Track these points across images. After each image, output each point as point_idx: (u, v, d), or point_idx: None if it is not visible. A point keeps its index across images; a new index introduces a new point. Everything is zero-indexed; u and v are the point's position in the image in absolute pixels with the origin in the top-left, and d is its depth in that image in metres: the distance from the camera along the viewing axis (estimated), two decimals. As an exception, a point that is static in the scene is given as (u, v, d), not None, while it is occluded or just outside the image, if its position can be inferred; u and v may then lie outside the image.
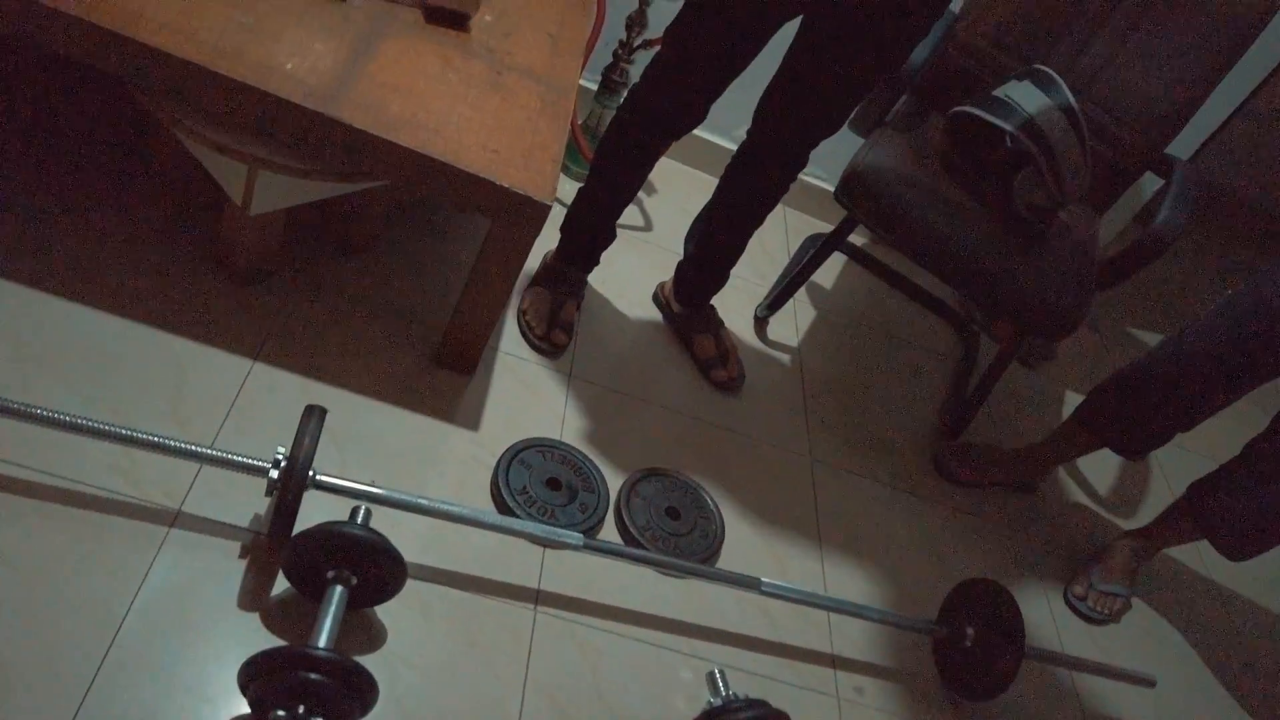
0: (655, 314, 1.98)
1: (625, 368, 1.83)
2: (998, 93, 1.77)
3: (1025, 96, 1.74)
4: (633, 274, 2.02)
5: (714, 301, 1.95)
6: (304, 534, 1.16)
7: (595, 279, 1.90)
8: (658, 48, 1.62)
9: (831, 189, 1.93)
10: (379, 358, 1.58)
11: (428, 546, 1.37)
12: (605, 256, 1.87)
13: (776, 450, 1.84)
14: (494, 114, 1.47)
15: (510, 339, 1.75)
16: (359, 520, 1.22)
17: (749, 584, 1.45)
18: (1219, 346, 1.67)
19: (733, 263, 1.90)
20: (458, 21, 1.60)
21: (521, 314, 1.80)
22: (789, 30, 1.56)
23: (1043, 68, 1.79)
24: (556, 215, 1.71)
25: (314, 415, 1.22)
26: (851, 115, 1.70)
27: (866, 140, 1.88)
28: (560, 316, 1.79)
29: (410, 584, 1.28)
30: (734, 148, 1.78)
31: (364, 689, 1.10)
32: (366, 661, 1.22)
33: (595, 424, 1.69)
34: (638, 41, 2.06)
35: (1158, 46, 1.89)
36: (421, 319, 1.68)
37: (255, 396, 1.43)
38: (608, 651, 1.39)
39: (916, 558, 1.79)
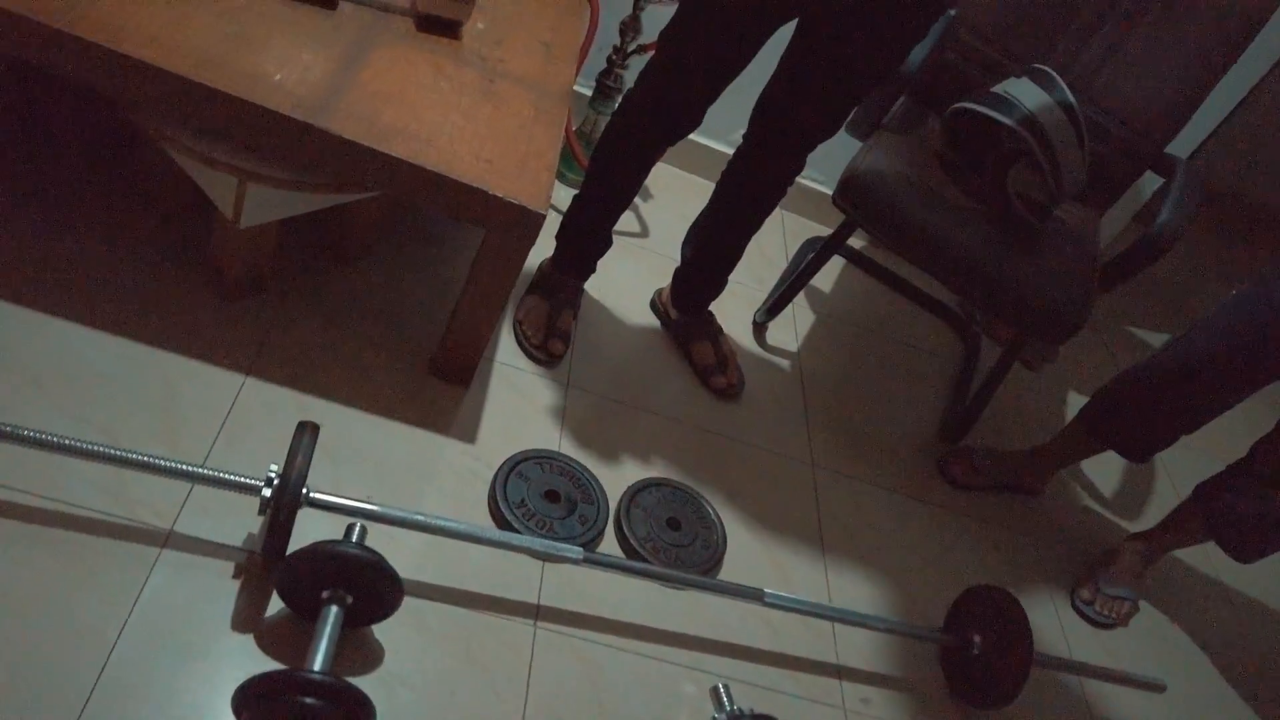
0: (653, 321, 1.96)
1: (623, 376, 1.81)
2: (997, 89, 1.76)
3: (1025, 93, 1.73)
4: (630, 281, 2.00)
5: (712, 307, 1.93)
6: (298, 554, 1.14)
7: (592, 286, 1.88)
8: (652, 52, 1.60)
9: (829, 192, 1.91)
10: (373, 370, 1.56)
11: (425, 562, 1.35)
12: (602, 264, 1.85)
13: (778, 457, 1.82)
14: (487, 122, 1.45)
15: (506, 349, 1.73)
16: (354, 538, 1.20)
17: (752, 595, 1.43)
18: (1225, 348, 1.65)
19: (731, 268, 1.88)
20: (450, 29, 1.58)
21: (518, 323, 1.78)
22: (785, 33, 1.54)
23: (1042, 66, 1.77)
24: (552, 222, 1.68)
25: (306, 432, 1.20)
26: (849, 118, 1.68)
27: (864, 143, 1.86)
28: (557, 325, 1.76)
29: (407, 601, 1.26)
30: (731, 152, 1.77)
31: (361, 713, 1.08)
32: (364, 682, 1.20)
33: (594, 434, 1.67)
34: (632, 46, 2.05)
35: (1156, 45, 1.88)
36: (416, 330, 1.66)
37: (247, 412, 1.40)
38: (609, 666, 1.37)
39: (921, 564, 1.76)
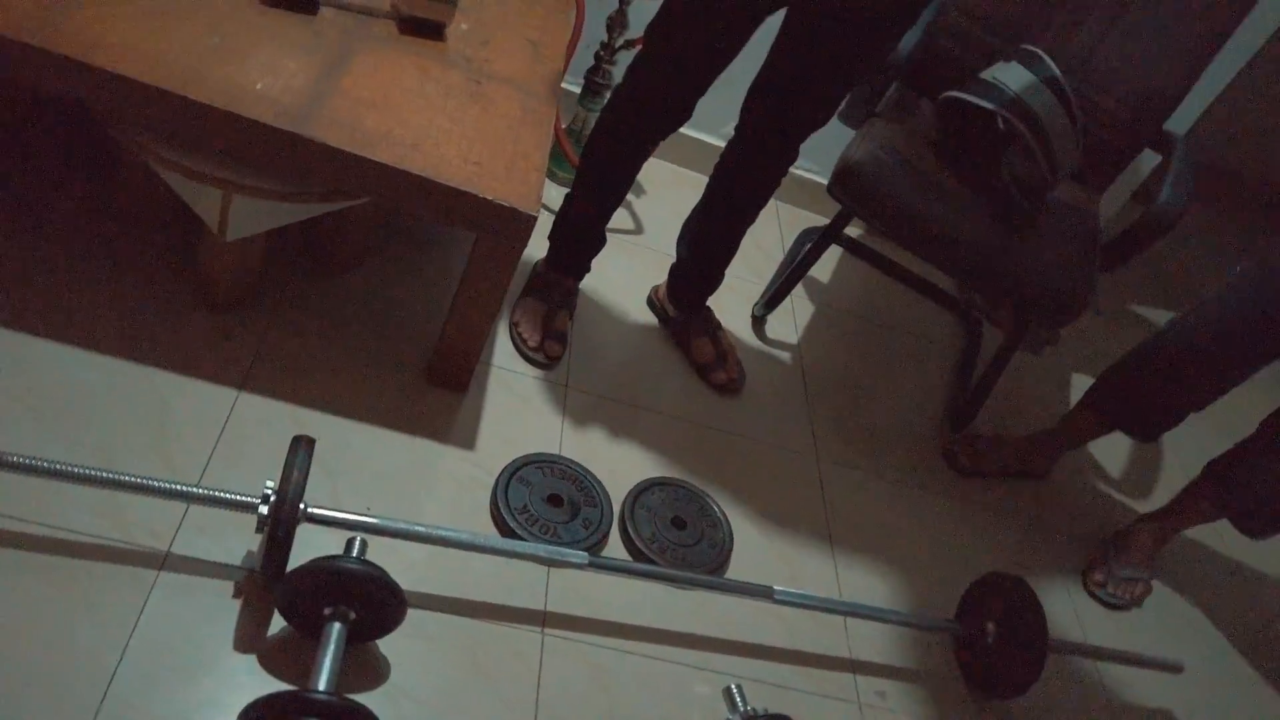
0: (650, 319, 1.94)
1: (622, 375, 1.79)
2: (985, 75, 1.74)
3: (1011, 76, 1.71)
4: (625, 279, 1.98)
5: (710, 302, 1.91)
6: (298, 571, 1.12)
7: (587, 286, 1.86)
8: (640, 47, 1.58)
9: (823, 181, 1.89)
10: (368, 380, 1.54)
11: (427, 573, 1.33)
12: (596, 262, 1.82)
13: (781, 451, 1.80)
14: (474, 124, 1.43)
15: (503, 352, 1.71)
16: (354, 553, 1.18)
17: (761, 593, 1.41)
18: (1230, 324, 1.63)
19: (727, 262, 1.86)
20: (433, 31, 1.56)
21: (513, 326, 1.75)
22: (774, 22, 1.51)
23: (1030, 47, 1.75)
24: (544, 223, 1.66)
25: (301, 446, 1.18)
26: (841, 106, 1.66)
27: (857, 131, 1.84)
28: (553, 327, 1.74)
29: (411, 614, 1.24)
30: (722, 145, 1.74)
31: (368, 729, 1.06)
32: (370, 698, 1.18)
33: (594, 435, 1.65)
34: (619, 42, 2.02)
35: (1151, 21, 1.85)
36: (410, 337, 1.64)
37: (242, 428, 1.38)
38: (620, 671, 1.35)
39: (931, 554, 1.74)
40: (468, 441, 1.53)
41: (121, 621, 1.14)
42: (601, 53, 2.05)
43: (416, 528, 1.26)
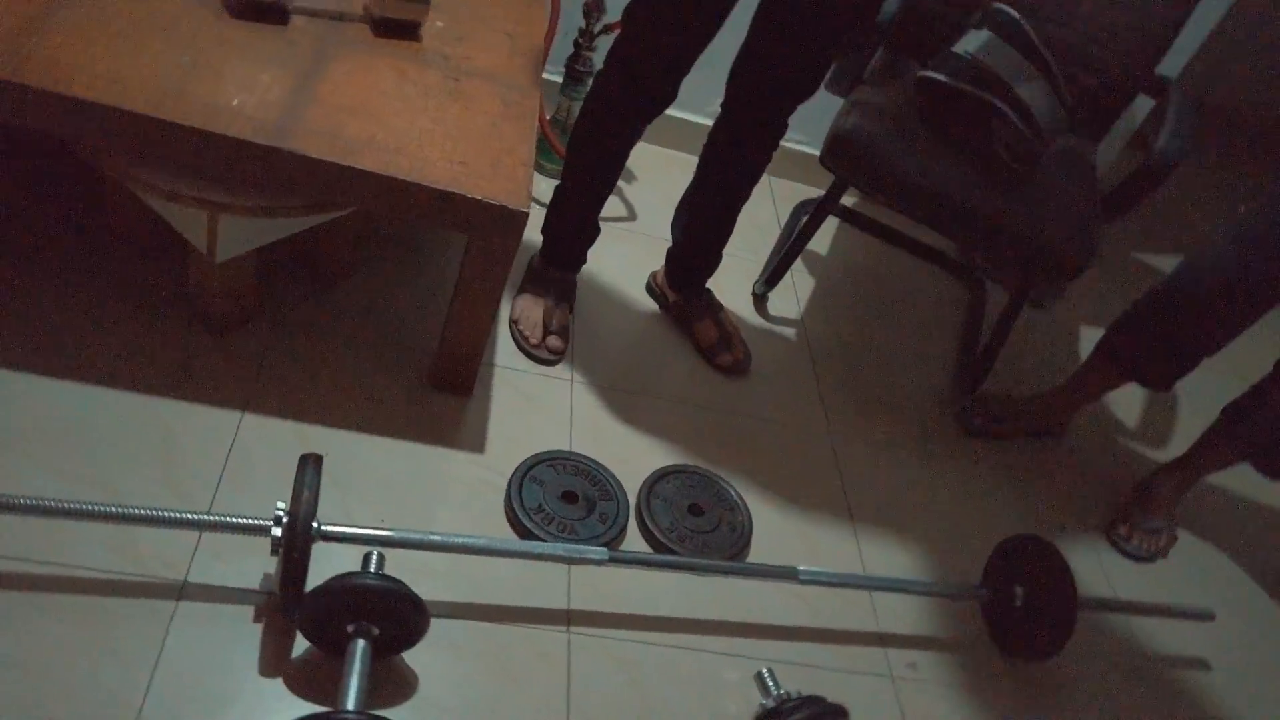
0: (651, 305, 1.92)
1: (627, 365, 1.77)
2: (956, 48, 1.71)
3: (981, 46, 1.68)
4: (623, 267, 1.96)
5: (710, 283, 1.89)
6: (316, 591, 1.11)
7: (585, 277, 1.84)
8: (619, 31, 1.55)
9: (814, 153, 1.86)
10: (372, 390, 1.52)
11: (447, 582, 1.32)
12: (592, 253, 1.80)
13: (793, 429, 1.78)
14: (456, 123, 1.41)
15: (505, 351, 1.69)
16: (372, 568, 1.16)
17: (785, 575, 1.40)
18: (1240, 265, 1.60)
19: (724, 242, 1.84)
20: (408, 31, 1.53)
21: (513, 324, 1.73)
22: (752, -6, 1.49)
23: (999, 6, 1.71)
24: (536, 217, 1.64)
25: (309, 465, 1.16)
26: (827, 75, 1.63)
27: (846, 99, 1.81)
28: (553, 321, 1.72)
29: (435, 624, 1.22)
30: (709, 123, 1.72)
31: (400, 745, 1.05)
32: (400, 712, 1.17)
33: (604, 428, 1.63)
34: (598, 27, 1.99)
35: (1136, -39, 1.82)
36: (410, 344, 1.62)
37: (248, 450, 1.37)
38: (649, 664, 1.33)
39: (952, 520, 1.73)
40: (477, 445, 1.51)
41: (144, 657, 1.12)
42: (580, 40, 2.02)
43: (433, 537, 1.25)
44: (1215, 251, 1.66)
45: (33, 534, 1.18)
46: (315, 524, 1.14)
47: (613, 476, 1.53)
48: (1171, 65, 2.13)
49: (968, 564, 1.63)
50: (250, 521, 1.15)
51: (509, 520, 1.43)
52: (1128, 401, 2.17)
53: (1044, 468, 1.92)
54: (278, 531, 1.13)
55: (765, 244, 2.18)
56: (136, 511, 1.12)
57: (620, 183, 2.14)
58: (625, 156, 1.69)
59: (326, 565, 1.19)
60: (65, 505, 1.10)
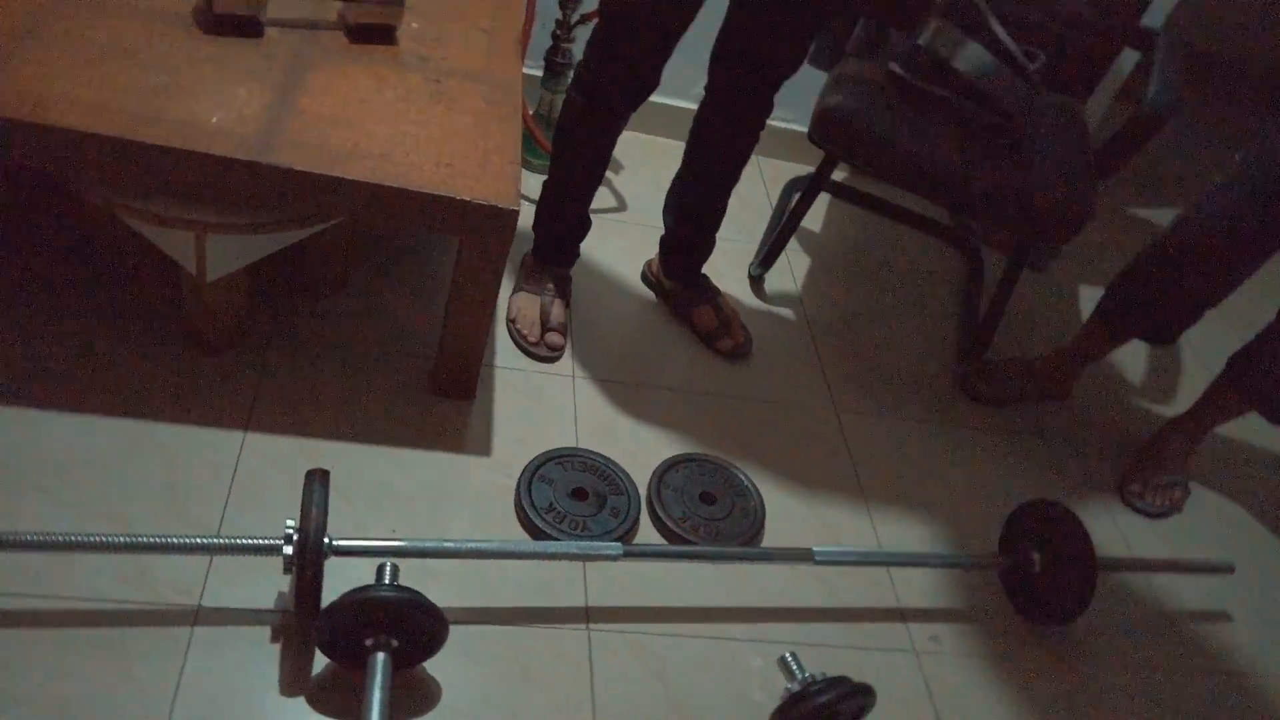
0: (648, 295, 1.91)
1: (628, 357, 1.76)
2: (920, 41, 1.70)
3: (944, 41, 1.67)
4: (616, 258, 1.95)
5: (705, 269, 1.88)
6: (333, 607, 1.10)
7: (579, 271, 1.82)
8: (597, 20, 1.53)
9: (801, 130, 1.85)
10: (373, 400, 1.51)
11: (463, 588, 1.31)
12: (584, 246, 1.79)
13: (799, 409, 1.77)
14: (440, 125, 1.39)
15: (505, 352, 1.68)
16: (386, 579, 1.15)
17: (801, 557, 1.39)
18: (1239, 212, 1.59)
19: (716, 226, 1.82)
20: (384, 36, 1.51)
21: (511, 323, 1.72)
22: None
23: None
24: (526, 214, 1.62)
25: (316, 480, 1.15)
26: (810, 50, 1.61)
27: (830, 74, 1.79)
28: (551, 318, 1.71)
29: (454, 631, 1.21)
30: (694, 107, 1.70)
31: (428, 756, 1.04)
32: (425, 722, 1.17)
33: (609, 422, 1.62)
34: (575, 18, 1.97)
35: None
36: (409, 350, 1.61)
37: (253, 469, 1.36)
38: (671, 656, 1.33)
39: (964, 490, 1.72)
40: (483, 448, 1.50)
41: (163, 685, 1.12)
42: (558, 31, 2.00)
43: (445, 544, 1.24)
44: (1212, 201, 1.65)
45: (41, 569, 1.17)
46: (326, 539, 1.13)
47: (621, 470, 1.52)
48: (1155, 17, 2.12)
49: (983, 532, 1.63)
50: (261, 542, 1.14)
51: (520, 521, 1.42)
52: (1131, 358, 2.16)
53: (1051, 431, 1.92)
54: (289, 550, 1.12)
55: (757, 225, 2.16)
56: (146, 540, 1.11)
57: (608, 173, 2.13)
58: (612, 146, 1.67)
59: (340, 580, 1.18)
60: (73, 539, 1.09)
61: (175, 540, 1.12)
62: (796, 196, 1.98)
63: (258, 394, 1.45)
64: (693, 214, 1.80)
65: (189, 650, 1.15)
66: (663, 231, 1.85)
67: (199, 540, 1.13)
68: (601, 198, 2.07)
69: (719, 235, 1.83)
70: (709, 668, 1.33)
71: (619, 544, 1.31)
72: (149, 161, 1.21)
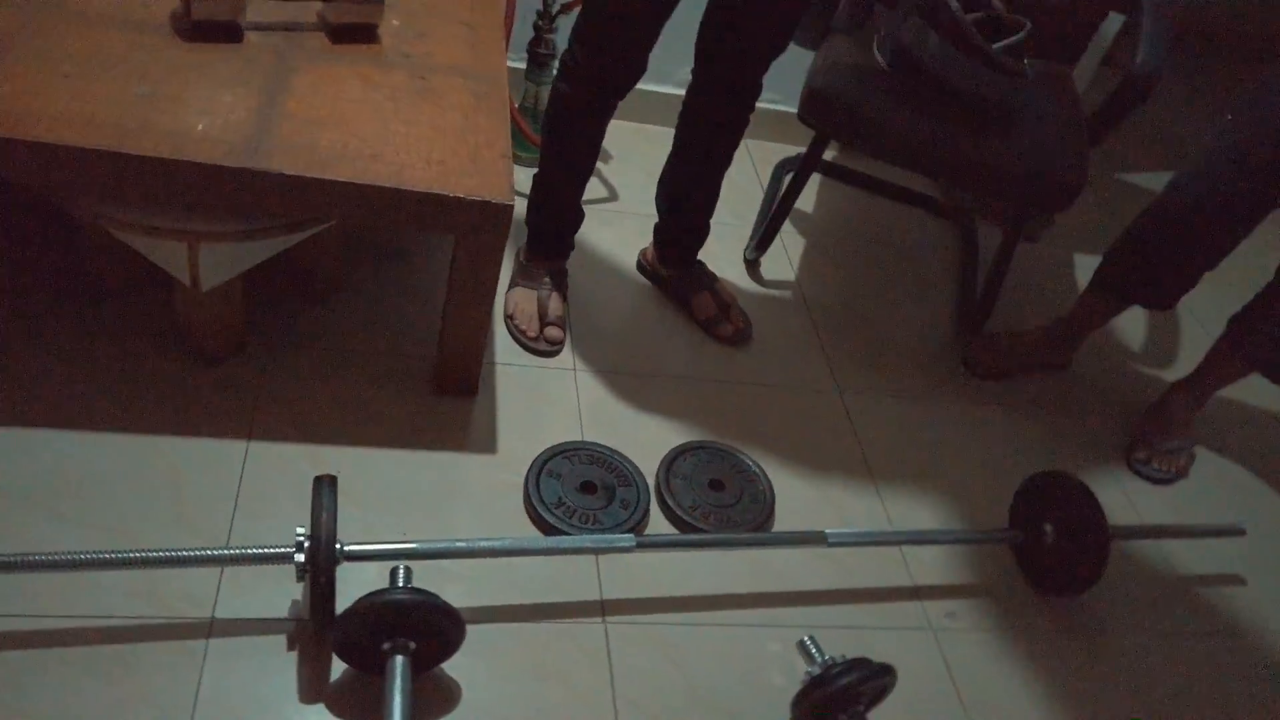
0: (645, 285, 1.90)
1: (628, 347, 1.75)
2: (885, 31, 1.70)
3: (915, 41, 1.67)
4: (611, 249, 1.93)
5: (701, 255, 1.86)
6: (348, 613, 1.09)
7: (574, 263, 1.81)
8: (579, 8, 1.52)
9: (787, 110, 1.84)
10: (375, 403, 1.50)
11: (477, 587, 1.30)
12: (578, 239, 1.78)
13: (802, 392, 1.76)
14: (428, 123, 1.37)
15: (505, 348, 1.67)
16: (400, 582, 1.14)
17: (814, 540, 1.39)
18: (1229, 178, 1.59)
19: (710, 211, 1.81)
20: (366, 35, 1.50)
21: (509, 319, 1.71)
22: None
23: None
24: (518, 209, 1.61)
25: (325, 486, 1.14)
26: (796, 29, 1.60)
27: (818, 52, 1.78)
28: (549, 312, 1.70)
29: (471, 631, 1.20)
30: (681, 93, 1.69)
31: (452, 758, 1.04)
32: (447, 724, 1.16)
33: (613, 413, 1.61)
34: (556, 7, 1.95)
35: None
36: (408, 351, 1.59)
37: (259, 478, 1.34)
38: (689, 644, 1.32)
39: (971, 464, 1.72)
40: (488, 445, 1.49)
41: (181, 700, 1.11)
42: (540, 22, 1.98)
43: (457, 544, 1.23)
44: (1205, 163, 1.64)
45: (52, 588, 1.16)
46: (338, 545, 1.12)
47: (629, 461, 1.51)
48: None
49: (992, 505, 1.63)
50: (272, 551, 1.13)
51: (530, 518, 1.42)
52: (1130, 325, 2.16)
53: (1055, 401, 1.91)
54: (300, 557, 1.11)
55: (750, 208, 2.15)
56: (156, 554, 1.10)
57: (598, 163, 2.11)
58: (602, 135, 1.66)
59: (354, 585, 1.17)
60: (82, 557, 1.08)
61: (187, 553, 1.11)
62: (788, 178, 1.97)
63: (259, 402, 1.44)
64: (686, 200, 1.79)
65: (205, 663, 1.14)
66: (656, 219, 1.84)
67: (210, 552, 1.12)
68: (592, 188, 2.06)
69: (712, 220, 1.82)
70: (727, 655, 1.32)
71: (631, 536, 1.30)
72: (137, 173, 1.19)
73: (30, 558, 1.07)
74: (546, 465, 1.47)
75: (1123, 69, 1.70)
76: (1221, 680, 1.48)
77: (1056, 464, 1.72)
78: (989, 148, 1.68)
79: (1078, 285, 2.24)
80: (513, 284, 1.75)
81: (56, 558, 1.07)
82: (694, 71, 1.63)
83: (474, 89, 1.47)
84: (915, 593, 1.48)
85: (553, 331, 1.69)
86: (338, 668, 1.18)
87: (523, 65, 2.07)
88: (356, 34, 1.48)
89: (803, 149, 1.95)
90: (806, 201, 2.26)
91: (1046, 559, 1.50)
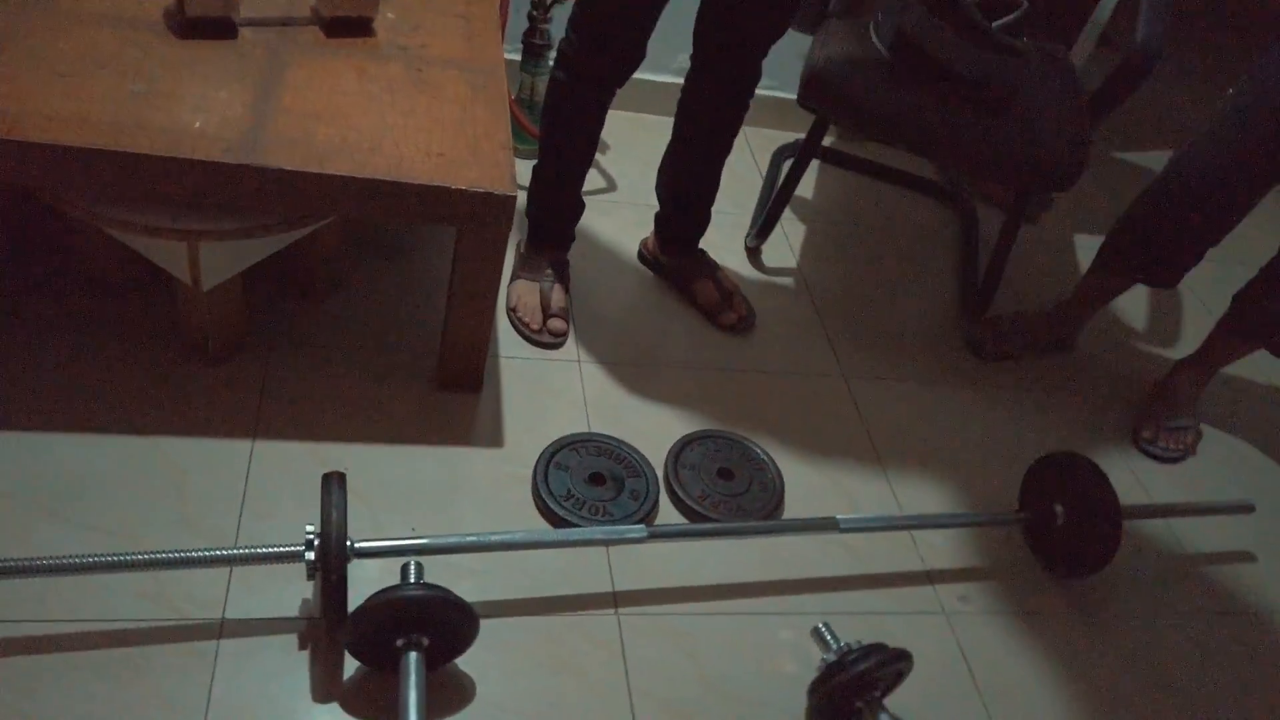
0: (647, 274, 1.89)
1: (632, 337, 1.74)
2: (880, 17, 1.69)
3: (916, 30, 1.66)
4: (612, 239, 1.92)
5: (702, 243, 1.85)
6: (360, 610, 1.08)
7: (576, 254, 1.80)
8: (575, -2, 1.51)
9: (785, 96, 1.83)
10: (380, 400, 1.48)
11: (489, 582, 1.29)
12: (579, 230, 1.76)
13: (808, 378, 1.75)
14: (426, 114, 1.36)
15: (508, 341, 1.66)
16: (411, 578, 1.14)
17: (825, 526, 1.38)
18: (1231, 154, 1.58)
19: (711, 199, 1.80)
20: (361, 28, 1.48)
21: (511, 312, 1.70)
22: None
23: None
24: (519, 201, 1.60)
25: (333, 484, 1.13)
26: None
27: (815, 36, 1.77)
28: (552, 304, 1.69)
29: (484, 625, 1.19)
30: (679, 81, 1.68)
31: (470, 753, 1.03)
32: (463, 718, 1.15)
33: (619, 404, 1.60)
34: (550, -2, 1.94)
35: None
36: (412, 346, 1.58)
37: (265, 477, 1.33)
38: (702, 634, 1.32)
39: (979, 446, 1.71)
40: (495, 439, 1.48)
41: (194, 702, 1.10)
42: (535, 12, 1.97)
43: (468, 538, 1.22)
44: (1207, 138, 1.63)
45: (61, 593, 1.14)
46: (348, 542, 1.11)
47: (636, 452, 1.50)
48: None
49: (1002, 487, 1.62)
50: (281, 549, 1.12)
51: (540, 511, 1.41)
52: (1133, 304, 2.16)
53: (1060, 382, 1.91)
54: (310, 556, 1.10)
55: (749, 196, 2.14)
56: (165, 556, 1.09)
57: (596, 154, 2.09)
58: (601, 125, 1.64)
59: (365, 582, 1.16)
60: (90, 560, 1.07)
61: (196, 554, 1.10)
62: (787, 164, 1.96)
63: (262, 401, 1.43)
64: (686, 188, 1.78)
65: (217, 664, 1.13)
66: (656, 209, 1.83)
67: (219, 552, 1.11)
68: (590, 179, 2.04)
69: (713, 208, 1.81)
70: (741, 643, 1.32)
71: (642, 526, 1.29)
72: (134, 171, 1.18)
73: (36, 562, 1.05)
74: (554, 458, 1.46)
75: (1122, 47, 1.69)
76: (1234, 657, 1.48)
77: (1063, 444, 1.72)
78: (989, 129, 1.67)
79: (1079, 266, 2.23)
80: (514, 277, 1.73)
81: (63, 561, 1.06)
82: (692, 59, 1.62)
83: (471, 80, 1.45)
84: (928, 577, 1.47)
85: (556, 323, 1.68)
86: (350, 665, 1.17)
87: (518, 57, 2.05)
88: (352, 27, 1.47)
89: (801, 135, 1.94)
90: (806, 188, 2.25)
91: (1058, 540, 1.49)
